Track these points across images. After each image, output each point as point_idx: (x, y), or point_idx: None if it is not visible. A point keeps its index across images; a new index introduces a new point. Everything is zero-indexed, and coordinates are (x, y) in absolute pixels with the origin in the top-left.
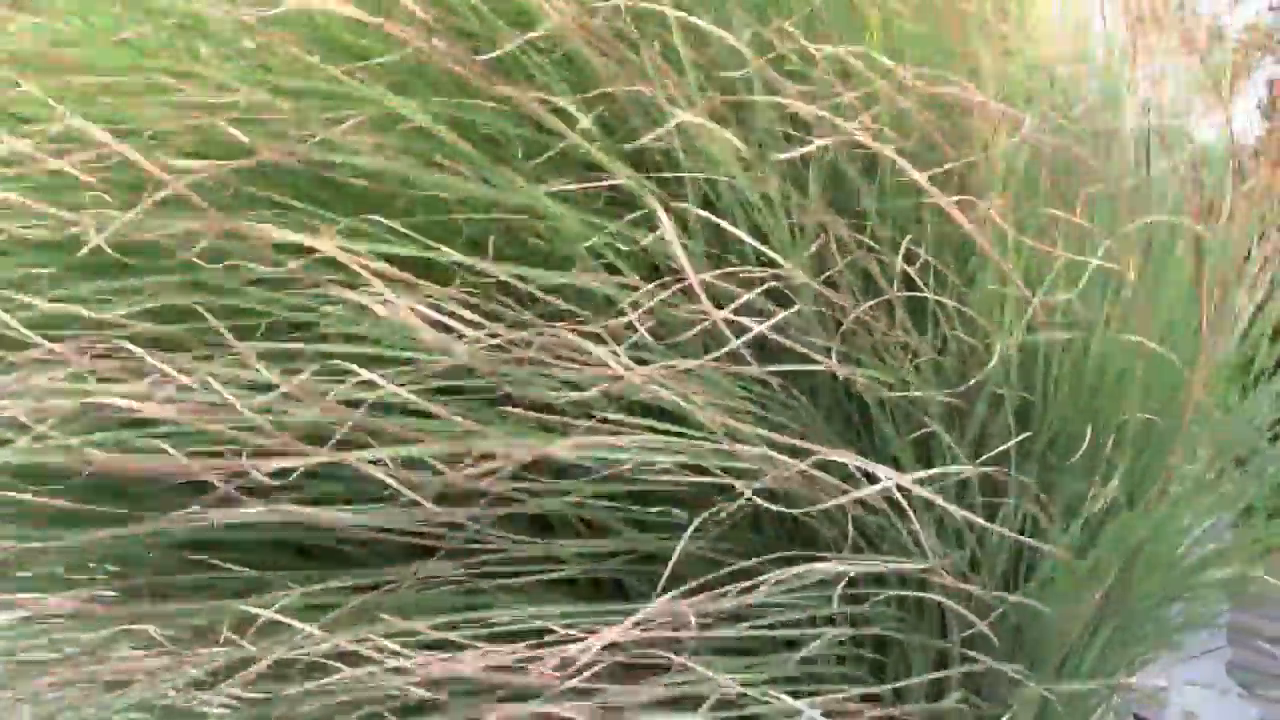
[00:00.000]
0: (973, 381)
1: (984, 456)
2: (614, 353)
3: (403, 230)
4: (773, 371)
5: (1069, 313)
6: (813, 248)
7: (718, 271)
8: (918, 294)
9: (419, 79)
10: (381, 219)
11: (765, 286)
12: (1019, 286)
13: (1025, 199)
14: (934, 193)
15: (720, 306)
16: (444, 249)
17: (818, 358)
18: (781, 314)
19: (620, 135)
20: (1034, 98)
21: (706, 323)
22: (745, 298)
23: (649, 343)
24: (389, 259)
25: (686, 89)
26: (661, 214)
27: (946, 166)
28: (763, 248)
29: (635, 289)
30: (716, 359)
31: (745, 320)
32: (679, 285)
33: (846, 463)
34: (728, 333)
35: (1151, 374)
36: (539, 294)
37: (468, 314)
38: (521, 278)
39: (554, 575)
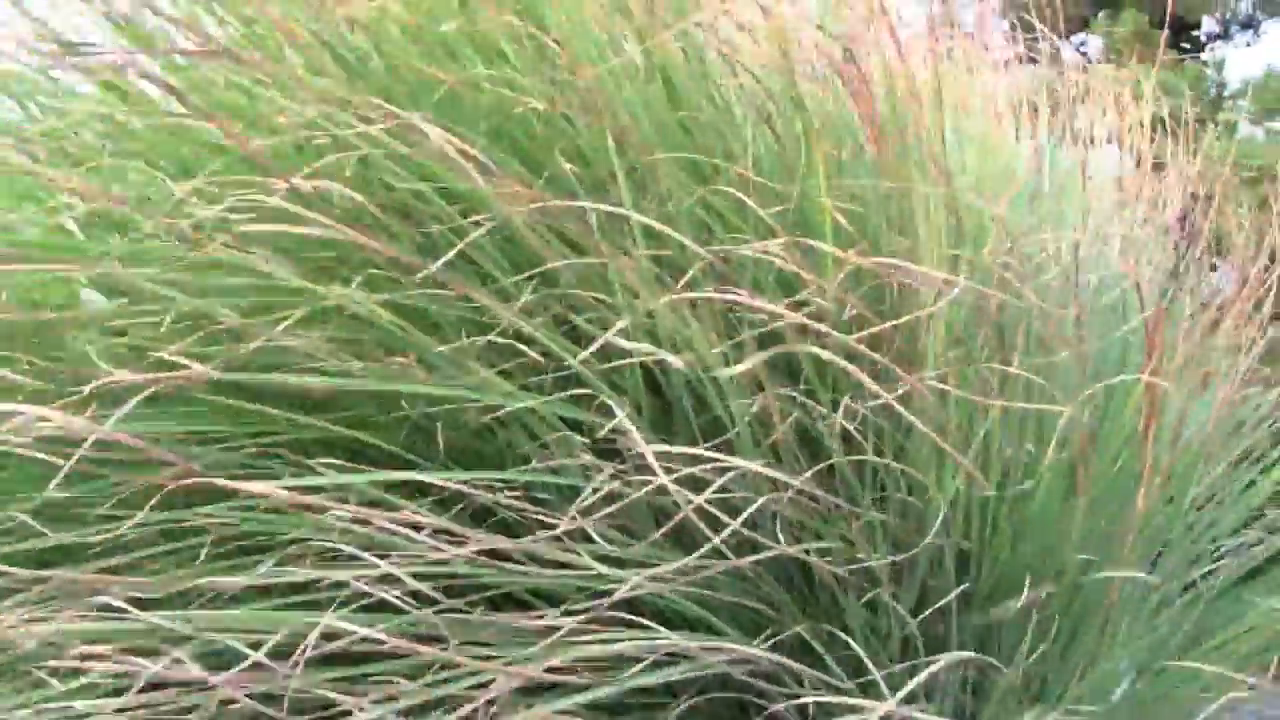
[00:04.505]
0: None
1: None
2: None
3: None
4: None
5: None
6: (754, 404)
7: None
8: (859, 456)
9: (355, 268)
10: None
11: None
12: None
13: (963, 352)
14: (870, 385)
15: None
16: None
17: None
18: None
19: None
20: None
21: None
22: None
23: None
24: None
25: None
26: (615, 406)
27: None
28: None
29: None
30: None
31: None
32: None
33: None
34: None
35: (1091, 518)
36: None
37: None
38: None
39: None
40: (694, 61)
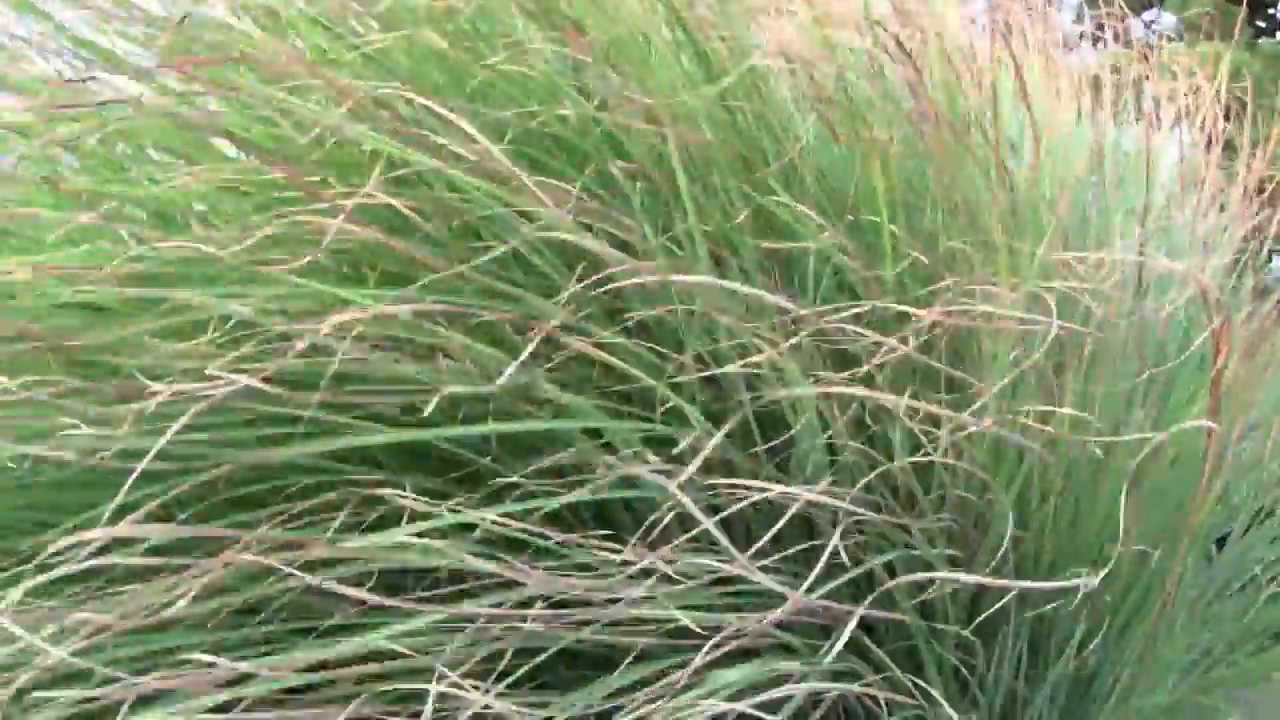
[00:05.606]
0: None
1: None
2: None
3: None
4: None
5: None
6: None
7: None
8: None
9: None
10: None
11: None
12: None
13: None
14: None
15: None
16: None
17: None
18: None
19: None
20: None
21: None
22: None
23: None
24: None
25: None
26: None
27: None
28: None
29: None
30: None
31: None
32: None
33: None
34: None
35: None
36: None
37: None
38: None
39: None
40: (737, 52)
